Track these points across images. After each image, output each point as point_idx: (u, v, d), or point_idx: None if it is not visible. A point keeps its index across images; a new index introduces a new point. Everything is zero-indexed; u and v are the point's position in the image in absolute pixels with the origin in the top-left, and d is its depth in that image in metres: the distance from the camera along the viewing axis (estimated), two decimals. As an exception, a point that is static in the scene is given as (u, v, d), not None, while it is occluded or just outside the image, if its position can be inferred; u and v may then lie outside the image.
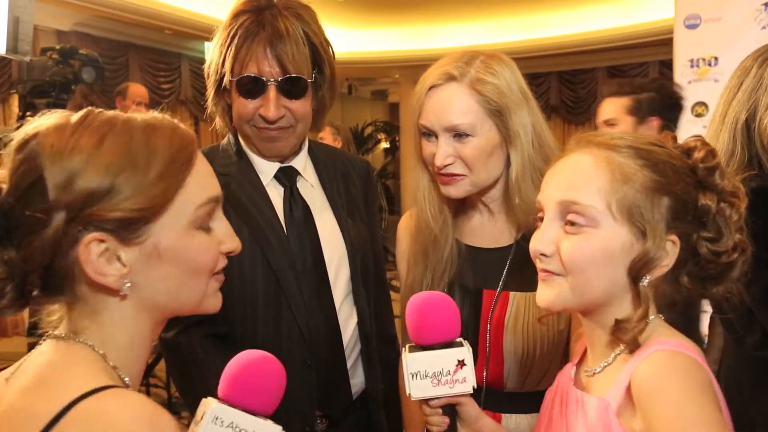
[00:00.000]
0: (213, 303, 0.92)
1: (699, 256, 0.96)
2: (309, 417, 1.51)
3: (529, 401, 1.39)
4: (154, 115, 0.88)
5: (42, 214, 0.78)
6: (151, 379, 4.15)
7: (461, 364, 1.10)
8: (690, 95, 3.99)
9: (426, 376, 1.10)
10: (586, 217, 0.95)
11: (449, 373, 1.10)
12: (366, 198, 1.73)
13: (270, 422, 0.95)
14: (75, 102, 2.94)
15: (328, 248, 1.57)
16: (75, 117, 0.84)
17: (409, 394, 1.11)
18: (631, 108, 2.73)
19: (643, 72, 9.06)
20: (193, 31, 7.11)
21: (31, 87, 2.81)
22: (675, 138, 1.02)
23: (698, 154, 0.97)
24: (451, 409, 1.13)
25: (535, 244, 1.00)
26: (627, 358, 0.96)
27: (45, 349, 0.85)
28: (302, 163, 1.62)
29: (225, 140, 1.63)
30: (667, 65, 7.21)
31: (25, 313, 0.90)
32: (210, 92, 1.55)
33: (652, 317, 0.97)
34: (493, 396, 1.42)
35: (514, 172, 1.38)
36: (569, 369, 1.11)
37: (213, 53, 1.52)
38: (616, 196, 0.94)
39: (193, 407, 1.62)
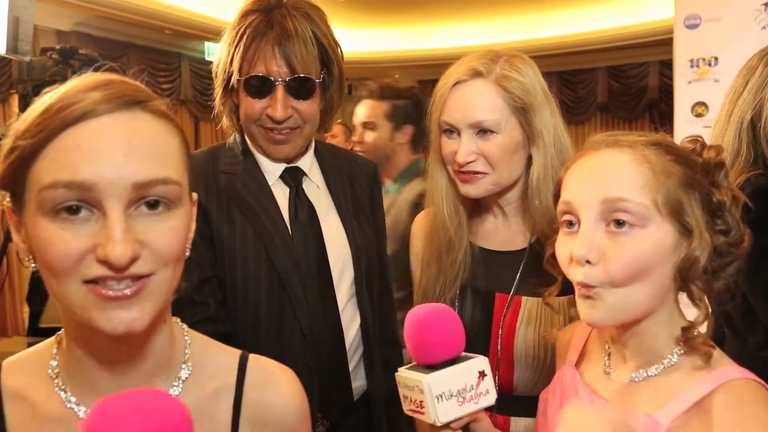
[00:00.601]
0: (102, 321, 0.72)
1: (714, 250, 0.95)
2: (311, 419, 1.50)
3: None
4: (81, 77, 0.77)
5: None
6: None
7: (482, 375, 1.03)
8: (690, 95, 3.99)
9: (451, 396, 1.00)
10: (636, 215, 0.89)
11: (473, 388, 1.02)
12: (372, 199, 1.71)
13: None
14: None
15: (333, 250, 1.56)
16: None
17: (435, 420, 0.99)
18: (389, 113, 2.75)
19: (643, 72, 9.06)
20: (193, 31, 7.10)
21: (31, 87, 2.80)
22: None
23: (709, 153, 0.97)
24: (467, 426, 1.05)
25: (579, 250, 0.91)
26: (684, 375, 0.92)
27: None
28: (308, 163, 1.60)
29: (231, 138, 1.62)
30: (667, 65, 7.21)
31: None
32: (217, 91, 1.55)
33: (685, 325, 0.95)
34: (502, 399, 1.38)
35: (535, 172, 1.35)
36: (571, 372, 1.08)
37: (221, 52, 1.51)
38: (662, 191, 0.90)
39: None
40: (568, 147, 1.38)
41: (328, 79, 1.53)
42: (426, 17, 8.49)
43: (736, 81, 1.39)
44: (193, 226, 0.82)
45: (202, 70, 7.97)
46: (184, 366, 0.86)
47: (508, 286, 1.41)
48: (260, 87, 1.45)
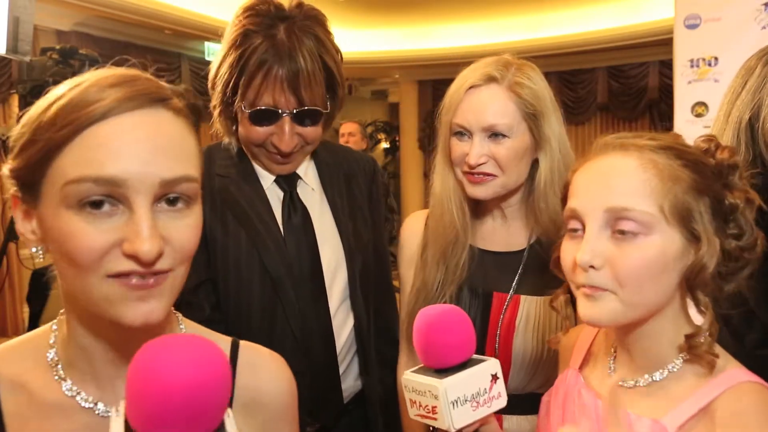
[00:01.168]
0: (124, 313, 0.73)
1: (724, 254, 0.93)
2: (301, 423, 1.49)
3: (531, 403, 1.40)
4: (94, 72, 0.78)
5: None
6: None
7: (495, 378, 1.02)
8: (690, 95, 3.99)
9: (466, 401, 0.99)
10: (640, 223, 0.88)
11: (486, 392, 1.01)
12: (370, 197, 1.69)
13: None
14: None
15: (326, 253, 1.55)
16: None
17: (449, 426, 0.98)
18: None
19: (643, 72, 9.06)
20: (193, 31, 7.10)
21: (31, 87, 2.80)
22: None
23: (722, 154, 0.95)
24: (476, 430, 1.05)
25: (583, 256, 0.90)
26: (690, 380, 0.92)
27: None
28: (303, 167, 1.59)
29: (226, 140, 1.59)
30: (667, 65, 7.21)
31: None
32: (215, 103, 1.48)
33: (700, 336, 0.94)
34: None
35: (542, 176, 1.39)
36: (574, 375, 1.07)
37: (221, 67, 1.43)
38: (668, 198, 0.89)
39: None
40: (572, 153, 1.43)
41: (334, 105, 1.50)
42: (426, 17, 8.49)
43: (734, 81, 1.39)
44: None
45: (202, 70, 7.90)
46: None
47: (506, 286, 1.43)
48: (266, 117, 1.41)
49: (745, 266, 0.94)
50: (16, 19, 2.56)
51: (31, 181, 0.75)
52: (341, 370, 1.57)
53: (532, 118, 1.38)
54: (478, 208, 1.49)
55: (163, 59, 7.98)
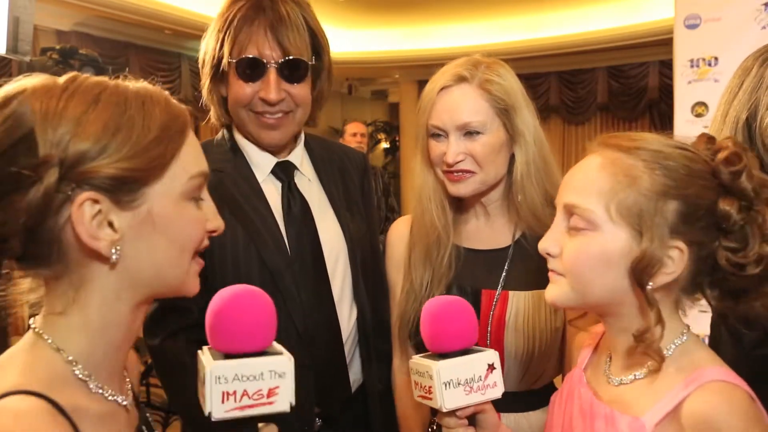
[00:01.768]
0: (193, 285, 0.90)
1: (713, 262, 0.92)
2: (308, 417, 1.50)
3: (525, 400, 1.40)
4: (145, 84, 0.86)
5: (30, 171, 0.75)
6: (151, 379, 4.14)
7: (491, 368, 1.08)
8: (690, 95, 3.99)
9: (459, 384, 1.05)
10: (585, 220, 0.95)
11: (480, 379, 1.07)
12: (363, 191, 1.71)
13: (272, 357, 0.91)
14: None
15: (328, 243, 1.56)
16: (62, 78, 0.82)
17: (441, 406, 1.05)
18: None
19: (643, 72, 9.06)
20: (193, 31, 7.08)
21: (31, 87, 2.80)
22: (711, 139, 0.98)
23: (722, 155, 0.93)
24: (473, 418, 1.09)
25: (542, 243, 1.02)
26: (668, 378, 0.93)
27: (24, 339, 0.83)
28: (299, 157, 1.60)
29: (219, 135, 1.61)
30: (667, 65, 7.22)
31: (25, 312, 0.88)
32: (204, 81, 1.53)
33: (684, 335, 0.95)
34: None
35: (519, 169, 1.42)
36: (578, 374, 1.09)
37: (208, 42, 1.50)
38: (617, 198, 0.93)
39: (182, 413, 1.61)
40: (547, 145, 1.47)
41: (319, 65, 1.53)
42: (426, 17, 8.49)
43: (731, 82, 1.40)
44: None
45: (202, 70, 7.97)
46: None
47: (494, 283, 1.45)
48: (252, 70, 1.44)
49: (762, 281, 0.91)
50: (16, 19, 2.55)
51: (142, 178, 0.80)
52: (348, 360, 1.58)
53: (505, 114, 1.41)
54: (462, 207, 1.52)
55: (163, 59, 7.98)
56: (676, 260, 0.92)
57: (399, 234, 1.58)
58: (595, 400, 1.01)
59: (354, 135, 5.48)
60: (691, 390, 0.89)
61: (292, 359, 0.93)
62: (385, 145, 11.83)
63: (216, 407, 0.88)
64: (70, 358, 0.81)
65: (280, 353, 0.93)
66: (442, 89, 1.42)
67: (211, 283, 1.45)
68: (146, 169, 0.80)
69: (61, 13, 6.29)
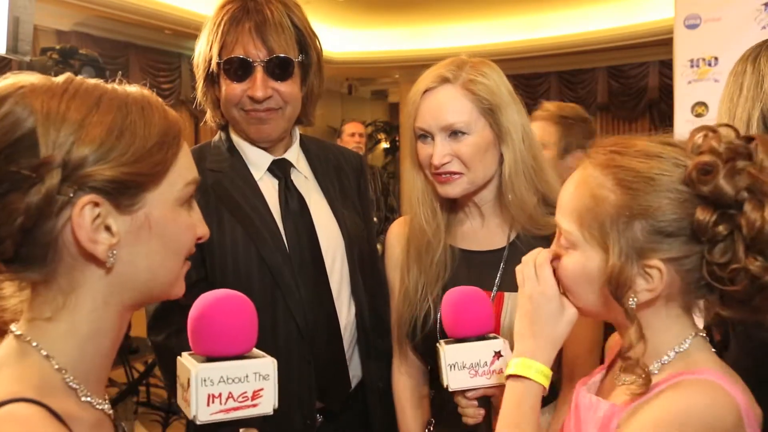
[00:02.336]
0: (181, 288, 0.91)
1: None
2: (309, 411, 1.51)
3: None
4: (140, 89, 0.86)
5: (30, 171, 0.73)
6: (151, 379, 4.14)
7: (498, 355, 1.14)
8: (690, 95, 3.99)
9: (464, 367, 1.14)
10: (566, 239, 0.97)
11: (486, 365, 1.14)
12: (359, 191, 1.73)
13: (257, 360, 0.92)
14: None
15: (325, 239, 1.57)
16: (58, 79, 0.81)
17: (447, 385, 1.14)
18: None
19: (643, 72, 9.07)
20: (193, 31, 7.00)
21: (31, 87, 2.80)
22: (705, 135, 0.89)
23: (692, 163, 0.87)
24: (486, 401, 1.16)
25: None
26: (665, 375, 0.92)
27: (4, 345, 0.81)
28: (295, 155, 1.62)
29: (216, 137, 1.64)
30: (667, 65, 7.22)
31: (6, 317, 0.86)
32: (199, 84, 1.57)
33: (688, 340, 0.93)
34: None
35: (507, 168, 1.42)
36: (599, 374, 1.09)
37: (199, 46, 1.54)
38: (587, 219, 0.93)
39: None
40: (538, 143, 1.48)
41: (307, 61, 1.55)
42: (426, 17, 8.49)
43: (728, 89, 1.39)
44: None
45: (202, 70, 7.97)
46: None
47: (490, 284, 1.45)
48: (240, 69, 1.48)
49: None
50: (16, 19, 2.55)
51: (143, 183, 0.80)
52: (347, 355, 1.59)
53: (490, 113, 1.41)
54: (456, 208, 1.52)
55: (163, 59, 7.99)
56: (655, 277, 0.89)
57: (396, 235, 1.59)
58: (593, 398, 1.02)
59: (352, 135, 5.49)
60: (674, 382, 0.89)
61: (275, 362, 0.93)
62: (385, 145, 11.84)
63: (201, 410, 0.88)
64: (60, 366, 0.79)
65: (264, 356, 0.94)
66: (426, 91, 1.43)
67: (211, 281, 1.47)
68: (148, 174, 0.81)
69: (61, 13, 6.29)
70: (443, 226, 1.49)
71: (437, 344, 1.19)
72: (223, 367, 0.89)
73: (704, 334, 0.96)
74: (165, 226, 0.84)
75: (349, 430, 1.62)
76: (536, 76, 9.52)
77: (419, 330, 1.46)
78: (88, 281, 0.80)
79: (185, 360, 0.93)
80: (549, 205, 1.43)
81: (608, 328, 1.18)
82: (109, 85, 0.83)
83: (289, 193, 1.57)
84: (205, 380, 0.88)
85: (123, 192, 0.79)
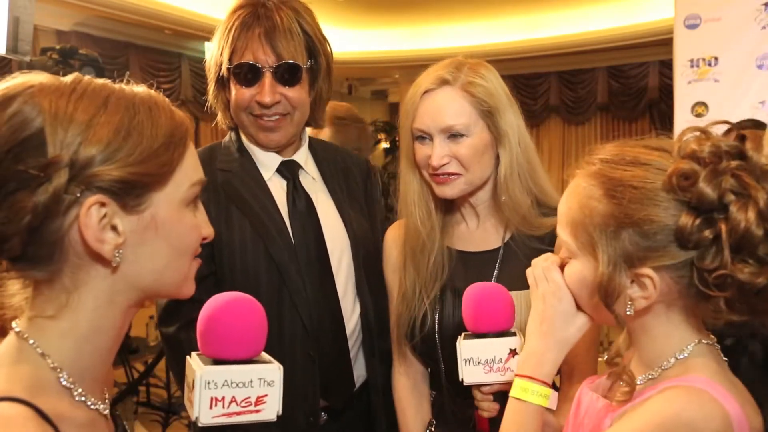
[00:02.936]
0: (191, 287, 0.91)
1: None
2: (313, 408, 1.53)
3: None
4: (147, 89, 0.87)
5: (38, 170, 0.74)
6: (151, 379, 4.15)
7: (513, 352, 1.16)
8: (690, 95, 4.00)
9: (479, 362, 1.17)
10: (566, 249, 0.99)
11: (501, 361, 1.17)
12: (366, 194, 1.75)
13: (262, 365, 0.91)
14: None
15: (331, 239, 1.59)
16: (67, 79, 0.81)
17: (462, 379, 1.18)
18: None
19: (643, 72, 9.06)
20: (193, 31, 7.10)
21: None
22: (699, 136, 0.87)
23: (671, 169, 0.85)
24: (502, 396, 1.16)
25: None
26: (663, 381, 0.91)
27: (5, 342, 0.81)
28: (303, 157, 1.65)
29: (227, 137, 1.67)
30: (667, 65, 7.21)
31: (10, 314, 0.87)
32: (210, 87, 1.60)
33: (689, 348, 0.91)
34: None
35: (503, 169, 1.44)
36: (603, 376, 1.09)
37: (213, 48, 1.57)
38: (578, 229, 0.95)
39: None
40: (532, 145, 1.49)
41: (316, 67, 1.57)
42: (426, 17, 8.49)
43: None
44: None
45: (202, 70, 7.92)
46: None
47: None
48: (249, 75, 1.50)
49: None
50: (16, 19, 2.55)
51: (150, 183, 0.81)
52: (351, 355, 1.61)
53: (488, 115, 1.42)
54: (452, 209, 1.53)
55: (163, 59, 7.99)
56: (648, 285, 0.88)
57: (394, 237, 1.60)
58: (593, 396, 1.03)
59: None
60: (662, 388, 0.88)
61: (281, 368, 0.93)
62: (385, 145, 11.84)
63: (204, 413, 0.88)
64: (55, 364, 0.79)
65: (270, 362, 0.93)
66: (425, 93, 1.44)
67: (220, 278, 1.49)
68: (155, 174, 0.81)
69: (61, 13, 6.29)
70: (438, 227, 1.50)
71: (458, 337, 1.22)
72: (228, 371, 0.89)
73: (710, 341, 0.93)
74: (171, 226, 0.84)
75: (352, 430, 1.64)
76: (536, 76, 9.51)
77: (417, 331, 1.47)
78: (92, 280, 0.81)
79: (193, 361, 0.93)
80: (542, 205, 1.45)
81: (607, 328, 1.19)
82: (117, 86, 0.84)
83: (296, 194, 1.60)
84: (208, 383, 0.88)
85: (129, 192, 0.79)
